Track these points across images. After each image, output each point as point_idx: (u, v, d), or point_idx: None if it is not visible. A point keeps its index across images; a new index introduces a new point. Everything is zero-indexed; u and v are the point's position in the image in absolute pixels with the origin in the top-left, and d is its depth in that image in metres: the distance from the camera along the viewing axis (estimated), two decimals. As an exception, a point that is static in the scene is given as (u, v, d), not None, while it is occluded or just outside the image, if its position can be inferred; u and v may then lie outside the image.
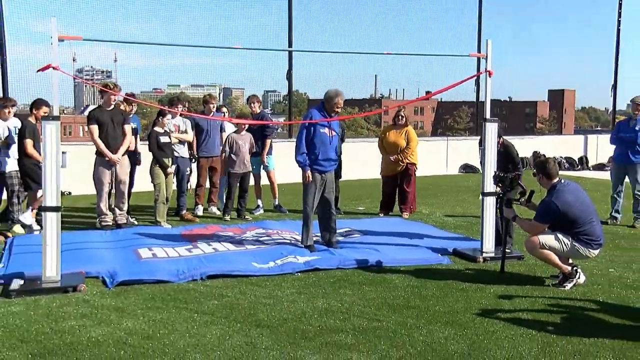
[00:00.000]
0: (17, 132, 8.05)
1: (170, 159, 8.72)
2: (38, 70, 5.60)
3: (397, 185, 9.92)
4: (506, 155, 7.52)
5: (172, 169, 8.74)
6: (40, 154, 7.53)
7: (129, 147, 8.50)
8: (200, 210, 9.68)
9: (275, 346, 4.35)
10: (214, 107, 9.81)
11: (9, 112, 8.10)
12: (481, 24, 16.61)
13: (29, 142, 7.88)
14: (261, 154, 9.75)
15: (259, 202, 10.09)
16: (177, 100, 9.69)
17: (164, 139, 8.63)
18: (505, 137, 7.71)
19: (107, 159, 8.19)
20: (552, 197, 5.88)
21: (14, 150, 8.02)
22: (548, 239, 5.87)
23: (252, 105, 9.95)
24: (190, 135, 9.31)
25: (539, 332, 4.65)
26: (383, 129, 10.24)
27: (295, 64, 14.38)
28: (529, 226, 6.17)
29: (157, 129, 8.64)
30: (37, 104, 8.09)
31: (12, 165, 8.03)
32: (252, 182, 9.85)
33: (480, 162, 7.24)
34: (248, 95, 10.50)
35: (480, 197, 7.12)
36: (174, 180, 9.16)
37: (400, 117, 9.86)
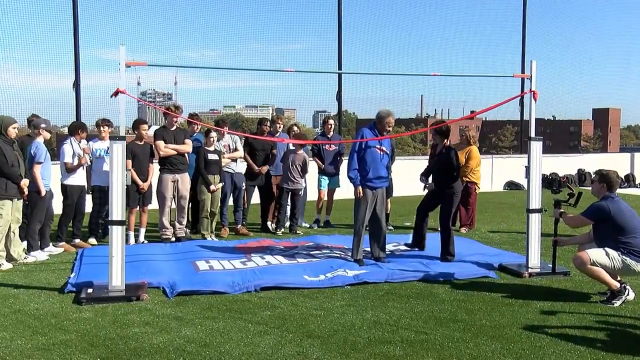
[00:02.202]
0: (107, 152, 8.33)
1: (216, 176, 8.82)
2: (111, 96, 5.79)
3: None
4: (448, 158, 7.53)
5: (216, 187, 8.81)
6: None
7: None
8: (271, 227, 9.71)
9: (325, 356, 4.33)
10: (280, 127, 9.82)
11: (105, 133, 8.42)
12: (525, 44, 16.36)
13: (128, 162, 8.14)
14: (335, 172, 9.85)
15: (318, 216, 10.16)
16: (222, 122, 9.87)
17: (211, 157, 8.74)
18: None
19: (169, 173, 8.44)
20: (605, 201, 5.74)
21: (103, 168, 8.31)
22: (598, 255, 5.65)
23: (329, 127, 9.95)
24: (240, 152, 9.41)
25: (587, 348, 4.49)
26: None
27: (345, 85, 14.44)
28: (573, 220, 6.04)
29: (205, 147, 8.80)
30: (137, 122, 8.45)
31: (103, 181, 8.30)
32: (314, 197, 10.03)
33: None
34: (298, 115, 10.62)
35: (526, 213, 6.96)
36: (230, 195, 9.29)
37: (465, 138, 9.79)
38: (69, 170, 8.06)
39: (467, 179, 9.61)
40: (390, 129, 7.30)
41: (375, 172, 7.23)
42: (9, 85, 11.95)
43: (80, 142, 8.20)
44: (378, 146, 7.22)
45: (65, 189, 8.13)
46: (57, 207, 8.18)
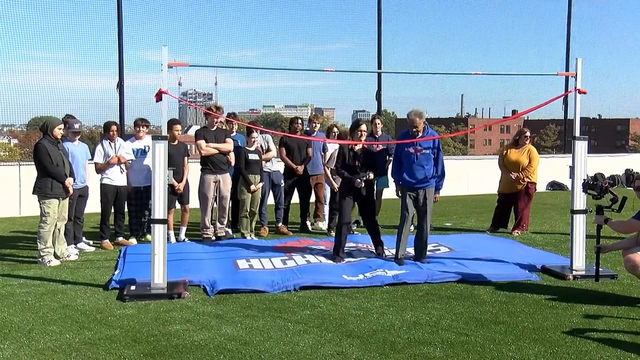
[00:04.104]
0: (145, 151, 8.49)
1: (257, 176, 8.87)
2: (157, 100, 5.86)
3: (512, 203, 9.66)
4: (368, 154, 7.53)
5: (257, 186, 8.86)
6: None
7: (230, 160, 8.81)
8: (309, 226, 9.75)
9: (365, 356, 4.31)
10: (316, 126, 9.81)
11: (143, 133, 8.58)
12: (570, 41, 16.00)
13: None
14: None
15: (359, 217, 10.14)
16: (253, 123, 9.86)
17: (252, 157, 8.80)
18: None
19: (210, 171, 8.57)
20: None
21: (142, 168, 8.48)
22: None
23: (375, 126, 9.84)
24: (274, 152, 9.45)
25: (639, 355, 4.34)
26: (504, 147, 10.11)
27: (384, 84, 14.38)
28: (624, 225, 5.82)
29: (246, 147, 8.86)
30: (170, 123, 8.58)
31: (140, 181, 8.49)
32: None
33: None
34: (337, 114, 10.55)
35: (570, 214, 6.79)
36: (269, 194, 9.36)
37: (525, 137, 9.64)
38: (97, 170, 8.23)
39: (529, 180, 9.44)
40: (416, 129, 7.17)
41: (409, 172, 7.22)
42: (55, 86, 12.33)
43: (114, 140, 8.32)
44: (412, 148, 7.18)
45: (101, 188, 8.31)
46: (97, 206, 8.40)
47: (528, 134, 9.70)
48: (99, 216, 8.41)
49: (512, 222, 9.73)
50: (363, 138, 7.48)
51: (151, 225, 5.97)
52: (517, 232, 9.47)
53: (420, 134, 7.21)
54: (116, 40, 11.91)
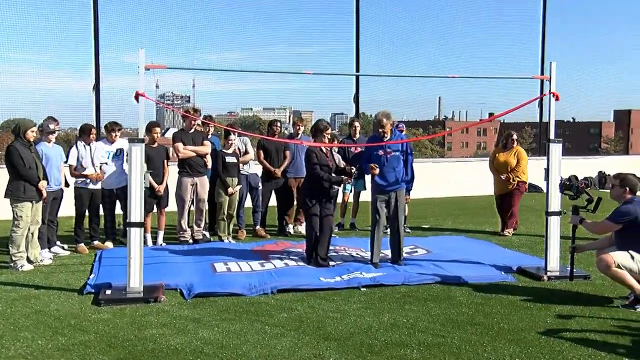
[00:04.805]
0: (117, 154, 8.40)
1: (234, 178, 8.84)
2: (136, 98, 5.81)
3: (511, 202, 9.82)
4: (306, 158, 7.44)
5: (234, 189, 8.83)
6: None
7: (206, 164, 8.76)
8: (291, 229, 9.70)
9: (342, 359, 4.32)
10: (300, 129, 9.79)
11: (115, 136, 8.49)
12: (545, 45, 16.21)
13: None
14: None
15: (342, 220, 10.17)
16: (230, 126, 9.85)
17: (229, 159, 8.77)
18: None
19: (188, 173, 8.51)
20: (631, 204, 5.68)
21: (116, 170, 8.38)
22: (623, 258, 5.56)
23: (353, 128, 9.89)
24: (251, 154, 9.42)
25: (609, 353, 4.42)
26: (492, 152, 10.36)
27: (362, 87, 14.44)
28: (598, 226, 5.95)
29: (224, 149, 8.83)
30: (150, 125, 8.47)
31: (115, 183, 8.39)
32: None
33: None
34: (315, 117, 10.52)
35: (545, 216, 6.89)
36: (246, 197, 9.33)
37: (512, 140, 9.84)
38: (72, 174, 8.12)
39: (519, 179, 9.62)
40: (382, 130, 7.21)
41: (380, 176, 7.22)
42: (30, 88, 12.14)
43: (90, 144, 8.22)
44: (382, 150, 7.21)
45: (75, 191, 8.21)
46: (72, 209, 8.29)
47: (515, 136, 9.93)
48: (74, 219, 8.30)
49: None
50: (325, 140, 7.43)
51: (127, 228, 5.91)
52: (509, 231, 9.66)
53: (388, 135, 7.25)
54: (92, 42, 11.77)
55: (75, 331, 4.87)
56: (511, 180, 9.63)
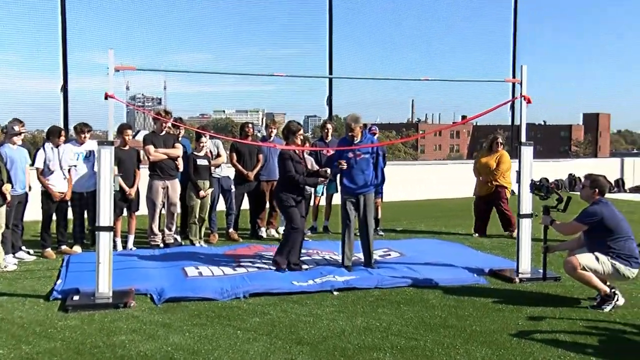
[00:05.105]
0: (87, 156, 8.25)
1: (206, 181, 8.78)
2: (105, 98, 5.73)
3: (488, 206, 9.95)
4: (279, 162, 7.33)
5: (206, 192, 8.77)
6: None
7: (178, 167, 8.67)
8: (263, 233, 9.65)
9: (315, 363, 4.31)
10: (273, 132, 9.69)
11: (84, 137, 8.33)
12: (516, 49, 16.45)
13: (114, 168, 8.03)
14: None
15: (314, 223, 10.16)
16: (202, 128, 9.74)
17: (201, 162, 8.71)
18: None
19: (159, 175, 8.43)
20: (597, 205, 5.79)
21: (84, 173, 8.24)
22: (588, 260, 5.68)
23: (326, 131, 9.88)
24: (223, 157, 9.37)
25: (577, 354, 4.50)
26: (479, 153, 10.46)
27: (335, 89, 14.46)
28: (567, 227, 6.06)
29: (195, 152, 8.76)
30: (121, 127, 8.38)
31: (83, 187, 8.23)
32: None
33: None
34: (288, 119, 10.44)
35: (517, 218, 6.99)
36: (218, 200, 9.27)
37: (497, 144, 9.93)
38: (39, 178, 7.94)
39: (497, 183, 9.70)
40: (352, 133, 7.21)
41: (349, 179, 7.22)
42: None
43: (58, 147, 8.07)
44: (351, 152, 7.21)
45: (42, 194, 8.05)
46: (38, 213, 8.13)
47: (500, 140, 10.00)
48: (40, 224, 8.13)
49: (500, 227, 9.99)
50: (298, 141, 7.41)
51: (96, 232, 5.82)
52: (514, 232, 9.65)
53: (358, 139, 7.27)
54: (60, 41, 11.57)
55: (40, 339, 4.77)
56: (489, 184, 9.73)
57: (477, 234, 9.94)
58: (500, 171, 9.77)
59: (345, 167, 7.11)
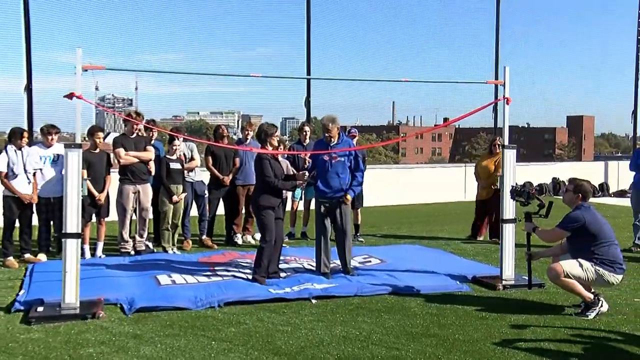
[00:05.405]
0: (56, 158, 8.14)
1: (179, 186, 8.73)
2: (64, 96, 5.67)
3: (487, 210, 9.99)
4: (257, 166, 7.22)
5: (179, 197, 8.72)
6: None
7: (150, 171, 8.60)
8: (239, 239, 9.61)
9: (293, 375, 4.30)
10: (250, 135, 9.59)
11: (52, 140, 8.22)
12: (498, 50, 16.63)
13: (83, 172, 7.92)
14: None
15: (292, 229, 10.15)
16: (177, 130, 9.67)
17: (174, 165, 8.65)
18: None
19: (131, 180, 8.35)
20: (580, 210, 5.86)
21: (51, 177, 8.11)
22: (571, 267, 5.75)
23: (304, 134, 9.87)
24: (197, 161, 9.33)
25: (562, 362, 4.55)
26: (481, 156, 10.52)
27: (314, 90, 14.45)
28: (549, 234, 6.12)
29: (167, 155, 8.70)
30: (92, 129, 8.27)
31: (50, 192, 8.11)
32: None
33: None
34: (265, 121, 10.37)
35: (500, 223, 7.05)
36: (192, 205, 9.21)
37: (495, 146, 9.98)
38: (2, 182, 7.83)
39: (496, 187, 9.75)
40: (328, 134, 7.23)
41: (324, 182, 7.22)
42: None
43: (21, 149, 7.96)
44: (326, 155, 7.21)
45: (3, 199, 7.92)
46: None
47: (498, 141, 9.97)
48: (1, 230, 7.98)
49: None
50: (274, 143, 7.36)
51: (63, 239, 5.73)
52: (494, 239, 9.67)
53: (334, 140, 7.29)
54: (23, 39, 11.39)
55: (0, 354, 4.68)
56: (491, 187, 9.82)
57: (474, 237, 10.05)
58: (500, 174, 9.77)
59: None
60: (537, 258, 6.53)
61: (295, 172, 8.32)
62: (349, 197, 7.21)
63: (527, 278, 6.41)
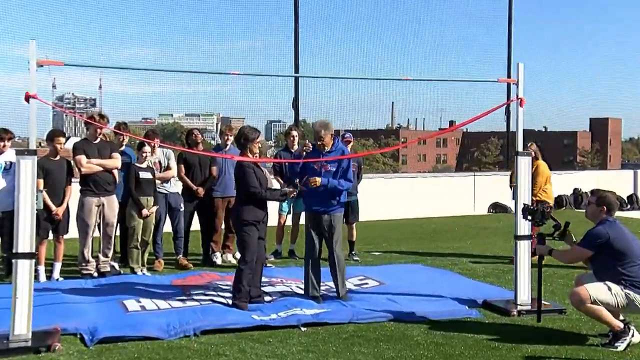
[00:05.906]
0: (8, 167, 8.07)
1: (150, 198, 8.72)
2: (26, 99, 5.63)
3: None
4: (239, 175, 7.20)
5: (150, 211, 8.72)
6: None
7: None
8: (218, 259, 9.58)
9: (278, 415, 4.26)
10: (230, 140, 9.61)
11: (4, 146, 8.14)
12: (511, 46, 16.75)
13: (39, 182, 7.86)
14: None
15: (278, 246, 10.15)
16: (153, 134, 9.63)
17: (143, 175, 8.64)
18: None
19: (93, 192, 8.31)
20: (603, 225, 5.82)
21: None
22: (598, 291, 5.68)
23: (291, 138, 9.90)
24: (173, 171, 9.32)
25: (585, 399, 4.53)
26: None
27: (302, 90, 14.48)
28: (569, 255, 6.12)
29: (137, 163, 8.68)
30: (52, 134, 8.26)
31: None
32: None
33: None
34: (248, 124, 10.32)
35: (513, 240, 7.05)
36: (165, 220, 9.18)
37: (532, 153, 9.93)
38: None
39: (536, 198, 9.74)
40: (321, 142, 7.25)
41: (313, 193, 7.21)
42: None
43: None
44: (316, 165, 7.22)
45: None
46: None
47: (534, 147, 9.86)
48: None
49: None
50: (255, 150, 7.34)
51: (13, 260, 5.68)
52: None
53: (327, 148, 7.30)
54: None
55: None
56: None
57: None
58: (537, 184, 9.71)
59: (318, 182, 7.07)
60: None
61: (281, 182, 8.31)
62: (319, 180, 7.07)
63: (547, 303, 6.39)
